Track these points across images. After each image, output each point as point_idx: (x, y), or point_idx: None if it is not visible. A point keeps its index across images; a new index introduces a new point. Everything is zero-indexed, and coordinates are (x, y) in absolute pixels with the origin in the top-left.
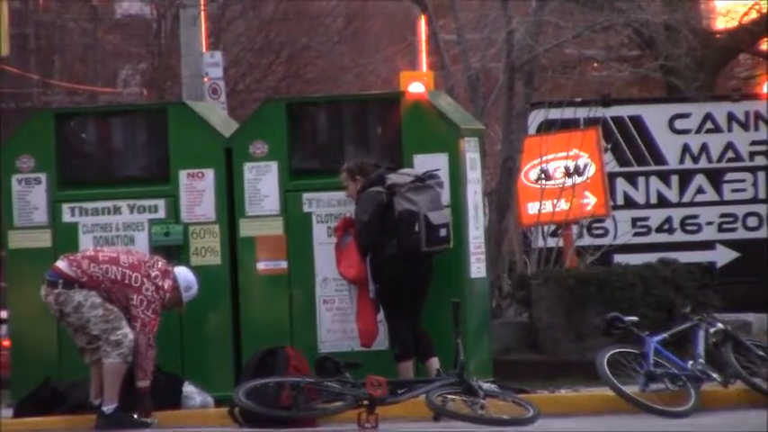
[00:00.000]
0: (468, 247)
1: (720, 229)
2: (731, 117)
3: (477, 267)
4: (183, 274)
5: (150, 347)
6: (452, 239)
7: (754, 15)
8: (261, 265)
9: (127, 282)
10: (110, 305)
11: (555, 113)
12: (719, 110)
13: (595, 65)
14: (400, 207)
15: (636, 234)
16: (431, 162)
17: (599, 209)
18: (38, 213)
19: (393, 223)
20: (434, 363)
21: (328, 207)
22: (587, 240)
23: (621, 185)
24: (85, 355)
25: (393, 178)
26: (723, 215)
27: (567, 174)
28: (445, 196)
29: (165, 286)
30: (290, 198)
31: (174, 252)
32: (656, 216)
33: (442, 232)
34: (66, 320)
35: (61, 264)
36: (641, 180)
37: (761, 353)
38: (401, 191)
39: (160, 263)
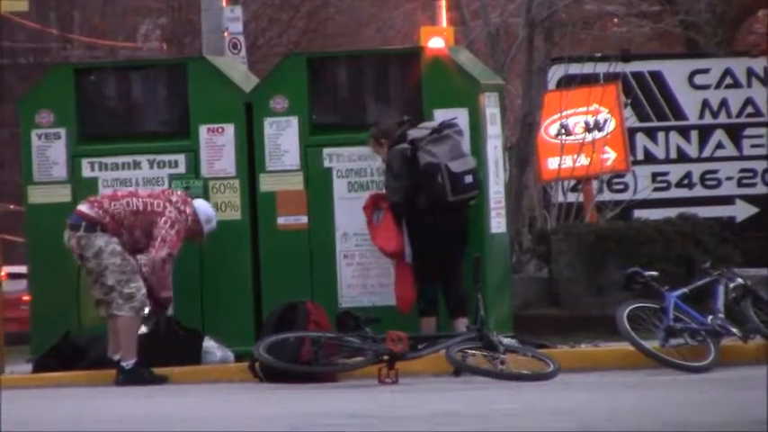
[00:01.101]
0: (489, 202)
1: (740, 185)
2: (750, 72)
3: (498, 222)
4: (203, 207)
5: (166, 263)
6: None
7: None
8: (281, 221)
9: (150, 209)
10: (128, 256)
11: (575, 69)
12: (739, 65)
13: (615, 20)
14: (423, 161)
15: (656, 189)
16: (450, 116)
17: (619, 164)
18: (57, 168)
19: (419, 178)
20: (461, 323)
21: (348, 162)
22: (607, 195)
23: (641, 140)
24: (102, 308)
25: (413, 133)
26: (742, 170)
27: (587, 129)
28: (465, 149)
29: (188, 211)
30: (310, 153)
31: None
32: (675, 171)
33: (467, 179)
34: (86, 266)
35: (83, 207)
36: (661, 135)
37: None
38: (421, 144)
39: (179, 191)
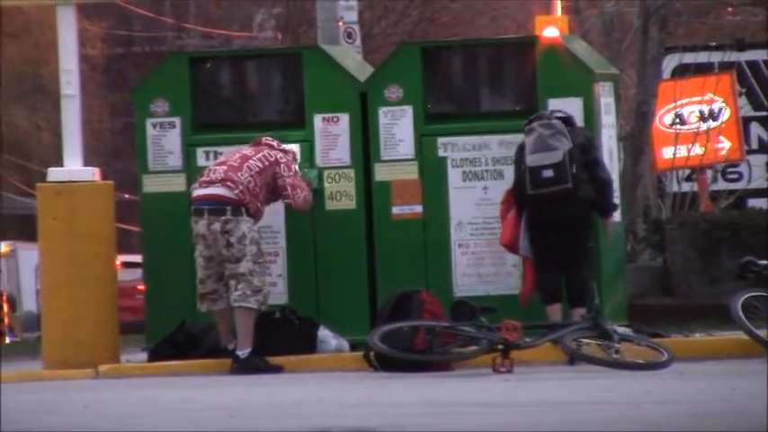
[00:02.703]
0: None
1: None
2: None
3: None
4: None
5: (308, 198)
6: (570, 180)
7: None
8: (396, 210)
9: (266, 163)
10: (261, 252)
11: (689, 58)
12: None
13: (730, 9)
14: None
15: None
16: (564, 106)
17: (733, 153)
18: (172, 157)
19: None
20: (578, 313)
21: (463, 151)
22: (722, 185)
23: (756, 130)
24: (204, 303)
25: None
26: None
27: (702, 118)
28: (557, 142)
29: (287, 148)
30: (424, 142)
31: None
32: None
33: (545, 173)
34: (223, 254)
35: (217, 190)
36: None
37: None
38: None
39: (264, 137)
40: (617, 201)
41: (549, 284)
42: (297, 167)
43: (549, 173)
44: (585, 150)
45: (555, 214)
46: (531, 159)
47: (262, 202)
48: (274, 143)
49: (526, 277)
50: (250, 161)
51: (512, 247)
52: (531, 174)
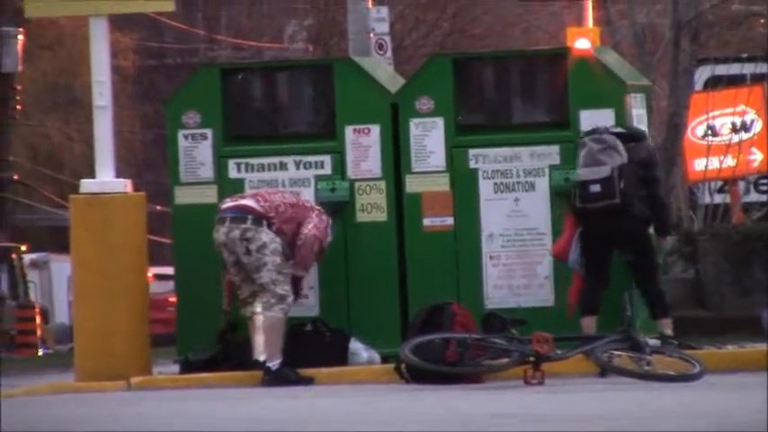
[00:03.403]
0: None
1: None
2: None
3: None
4: None
5: (316, 242)
6: (617, 196)
7: None
8: (427, 222)
9: (302, 204)
10: (285, 261)
11: (721, 69)
12: None
13: (762, 21)
14: None
15: None
16: (596, 118)
17: (765, 165)
18: (204, 169)
19: None
20: (661, 324)
21: (495, 163)
22: (754, 196)
23: None
24: (248, 307)
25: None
26: None
27: (734, 130)
28: (607, 157)
29: (324, 217)
30: (456, 154)
31: (340, 208)
32: None
33: (593, 188)
34: (243, 262)
35: (247, 201)
36: None
37: None
38: None
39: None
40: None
41: (589, 297)
42: (329, 233)
43: (596, 187)
44: (647, 166)
45: (603, 228)
46: (582, 173)
47: (285, 230)
48: (310, 204)
49: (573, 290)
50: (287, 195)
51: (560, 256)
52: (582, 187)
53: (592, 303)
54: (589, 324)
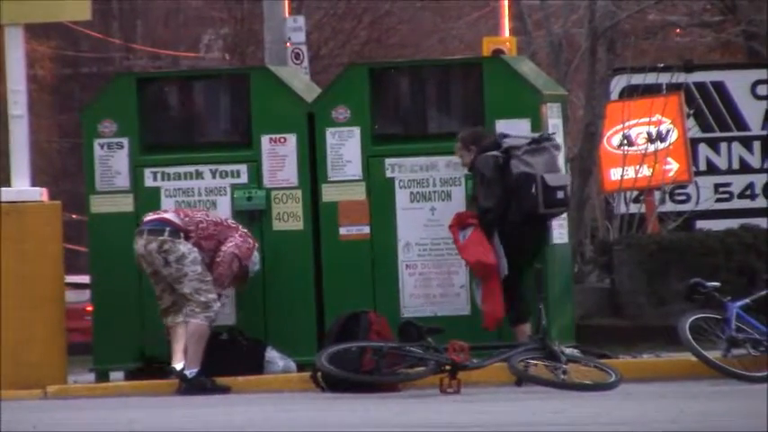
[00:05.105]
0: None
1: None
2: None
3: (560, 233)
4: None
5: (234, 261)
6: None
7: None
8: (343, 231)
9: (226, 224)
10: (206, 270)
11: (637, 79)
12: None
13: (678, 30)
14: (517, 169)
15: (718, 200)
16: (512, 127)
17: (681, 175)
18: (120, 178)
19: (511, 187)
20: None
21: (411, 172)
22: (669, 206)
23: (704, 151)
24: (168, 317)
25: (509, 141)
26: None
27: (650, 139)
28: (560, 164)
29: (250, 241)
30: (372, 163)
31: (257, 217)
32: (738, 182)
33: (559, 194)
34: (162, 273)
35: (168, 215)
36: (723, 146)
37: None
38: (517, 153)
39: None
40: (562, 223)
41: (523, 304)
42: (255, 256)
43: (561, 194)
44: None
45: (542, 234)
46: (551, 179)
47: (204, 246)
48: (237, 226)
49: (496, 300)
50: (213, 215)
51: (496, 267)
52: (548, 193)
53: (527, 310)
54: (526, 330)
